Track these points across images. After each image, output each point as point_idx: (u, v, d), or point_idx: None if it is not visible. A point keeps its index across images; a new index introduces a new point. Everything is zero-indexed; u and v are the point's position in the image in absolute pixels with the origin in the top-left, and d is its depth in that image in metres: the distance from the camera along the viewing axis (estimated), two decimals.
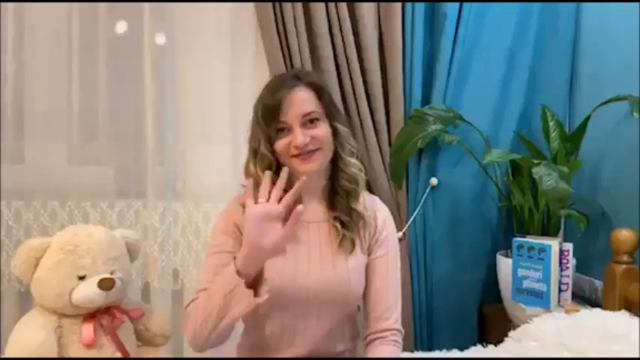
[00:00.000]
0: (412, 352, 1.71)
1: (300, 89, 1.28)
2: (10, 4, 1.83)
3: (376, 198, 1.47)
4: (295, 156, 1.27)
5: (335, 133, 1.31)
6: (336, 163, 1.34)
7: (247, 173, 1.33)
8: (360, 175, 1.34)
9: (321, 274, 1.30)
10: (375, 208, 1.39)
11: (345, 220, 1.32)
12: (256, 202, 1.16)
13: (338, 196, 1.34)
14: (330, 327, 1.34)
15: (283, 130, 1.27)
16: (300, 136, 1.25)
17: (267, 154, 1.29)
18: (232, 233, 1.31)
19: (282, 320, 1.31)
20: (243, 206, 1.21)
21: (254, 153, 1.31)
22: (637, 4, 1.57)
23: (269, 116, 1.27)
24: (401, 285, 1.39)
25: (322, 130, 1.28)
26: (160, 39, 1.92)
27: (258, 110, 1.30)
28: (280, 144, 1.28)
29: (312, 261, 1.31)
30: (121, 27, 1.93)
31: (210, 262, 1.30)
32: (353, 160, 1.34)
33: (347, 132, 1.34)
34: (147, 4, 1.85)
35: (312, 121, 1.27)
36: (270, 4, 1.74)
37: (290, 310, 1.31)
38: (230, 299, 1.14)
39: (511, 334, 1.28)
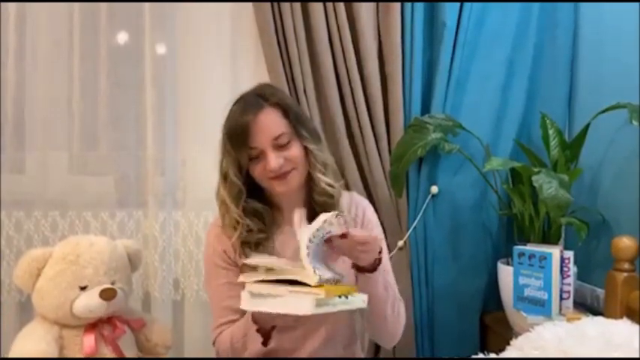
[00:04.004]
0: None
1: (266, 111, 1.28)
2: (12, 14, 1.84)
3: (353, 193, 1.50)
4: (272, 178, 1.28)
5: (305, 151, 1.32)
6: (308, 181, 1.35)
7: (218, 197, 1.35)
8: (331, 188, 1.34)
9: None
10: (350, 203, 1.42)
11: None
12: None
13: (317, 208, 1.35)
14: (326, 334, 1.34)
15: (256, 156, 1.27)
16: (272, 161, 1.25)
17: (235, 182, 1.29)
18: (223, 263, 1.34)
19: (279, 334, 1.31)
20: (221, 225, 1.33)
21: (224, 178, 1.32)
22: (636, 11, 1.58)
23: (238, 142, 1.26)
24: (402, 294, 1.40)
25: (294, 150, 1.29)
26: (161, 48, 1.93)
27: (225, 136, 1.29)
28: (256, 169, 1.28)
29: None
30: (122, 37, 1.94)
31: (213, 296, 1.36)
32: (323, 177, 1.34)
33: (316, 148, 1.33)
34: (147, 14, 1.86)
35: (283, 143, 1.27)
36: (270, 13, 1.75)
37: (287, 330, 1.32)
38: (246, 340, 1.24)
39: (512, 342, 1.27)
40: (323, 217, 1.12)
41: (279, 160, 1.26)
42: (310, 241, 1.11)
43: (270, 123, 1.27)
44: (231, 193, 1.30)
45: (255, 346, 1.21)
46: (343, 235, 1.13)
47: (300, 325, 1.32)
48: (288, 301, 1.07)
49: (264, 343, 1.21)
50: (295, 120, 1.31)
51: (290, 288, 1.08)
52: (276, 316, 1.12)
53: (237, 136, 1.26)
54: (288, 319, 1.15)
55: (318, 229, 1.11)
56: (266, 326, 1.21)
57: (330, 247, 1.15)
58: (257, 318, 1.20)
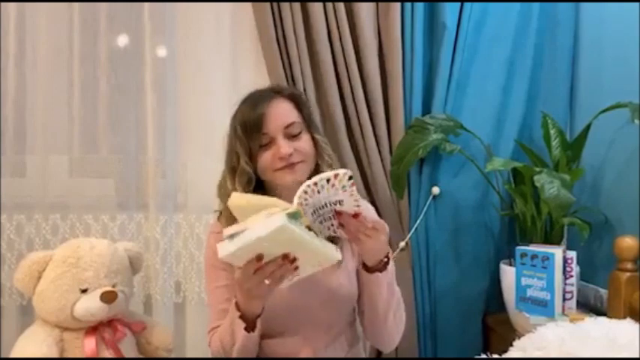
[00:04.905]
0: None
1: (280, 101, 1.29)
2: (12, 17, 1.84)
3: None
4: (279, 169, 1.26)
5: (315, 144, 1.31)
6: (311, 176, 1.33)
7: (222, 193, 1.32)
8: None
9: (313, 292, 1.29)
10: None
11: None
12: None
13: None
14: (329, 337, 1.34)
15: (266, 144, 1.26)
16: (284, 147, 1.24)
17: (247, 169, 1.27)
18: (222, 264, 1.31)
19: (282, 340, 1.31)
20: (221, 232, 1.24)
21: (232, 171, 1.30)
22: (636, 12, 1.58)
23: (251, 129, 1.26)
24: (404, 295, 1.39)
25: (305, 142, 1.29)
26: (161, 51, 1.93)
27: (237, 125, 1.28)
28: (264, 157, 1.27)
29: (303, 280, 1.29)
30: (122, 40, 1.94)
31: (212, 298, 1.34)
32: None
33: (325, 142, 1.34)
34: (147, 17, 1.86)
35: (295, 133, 1.27)
36: (270, 16, 1.75)
37: (289, 329, 1.31)
38: (233, 330, 1.20)
39: (515, 343, 1.27)
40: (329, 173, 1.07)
41: (289, 148, 1.25)
42: (317, 186, 1.06)
43: (283, 111, 1.28)
44: (241, 182, 1.28)
45: (240, 333, 1.18)
46: (355, 215, 1.12)
47: (296, 310, 1.30)
48: (261, 225, 1.02)
49: (248, 329, 1.18)
50: (307, 113, 1.33)
51: (264, 213, 1.05)
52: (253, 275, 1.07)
53: (251, 122, 1.26)
54: (277, 293, 1.14)
55: (327, 179, 1.06)
56: (250, 310, 1.18)
57: (339, 219, 1.13)
58: (240, 302, 1.17)
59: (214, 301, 1.33)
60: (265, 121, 1.25)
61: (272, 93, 1.30)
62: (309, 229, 1.09)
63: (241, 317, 1.18)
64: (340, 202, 1.11)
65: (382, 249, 1.21)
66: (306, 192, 1.07)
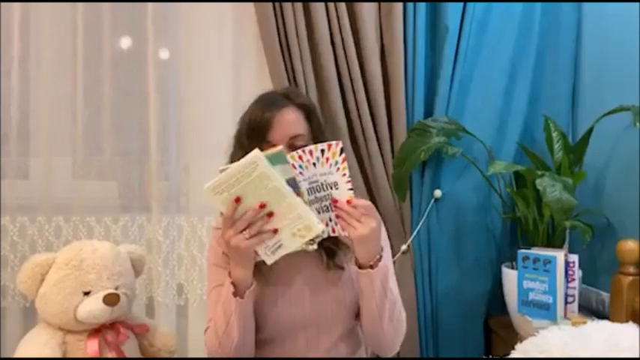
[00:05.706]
0: None
1: (290, 110, 1.27)
2: (16, 21, 1.85)
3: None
4: None
5: None
6: None
7: None
8: None
9: (315, 304, 1.30)
10: None
11: (330, 245, 1.30)
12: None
13: None
14: (331, 344, 1.33)
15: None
16: None
17: None
18: (224, 264, 1.30)
19: (283, 344, 1.31)
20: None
21: None
22: (637, 14, 1.58)
23: (255, 134, 1.24)
24: (406, 298, 1.38)
25: None
26: (164, 54, 1.94)
27: (243, 126, 1.28)
28: None
29: (305, 292, 1.30)
30: (125, 42, 1.95)
31: (211, 297, 1.32)
32: None
33: None
34: (150, 20, 1.87)
35: (299, 145, 1.23)
36: (272, 19, 1.75)
37: (291, 334, 1.31)
38: (224, 308, 1.20)
39: (517, 346, 1.27)
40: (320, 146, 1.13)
41: None
42: (313, 157, 1.12)
43: (291, 121, 1.26)
44: None
45: (231, 301, 1.17)
46: (348, 202, 1.13)
47: (298, 316, 1.29)
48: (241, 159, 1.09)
49: (235, 294, 1.18)
50: (316, 125, 1.30)
51: None
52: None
53: (257, 128, 1.24)
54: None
55: (321, 149, 1.12)
56: (239, 276, 1.18)
57: (334, 206, 1.14)
58: (231, 269, 1.18)
59: (212, 300, 1.31)
60: (271, 129, 1.24)
61: (284, 99, 1.28)
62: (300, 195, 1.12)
63: (232, 284, 1.18)
64: (335, 185, 1.13)
65: (374, 241, 1.18)
66: (301, 157, 1.11)
